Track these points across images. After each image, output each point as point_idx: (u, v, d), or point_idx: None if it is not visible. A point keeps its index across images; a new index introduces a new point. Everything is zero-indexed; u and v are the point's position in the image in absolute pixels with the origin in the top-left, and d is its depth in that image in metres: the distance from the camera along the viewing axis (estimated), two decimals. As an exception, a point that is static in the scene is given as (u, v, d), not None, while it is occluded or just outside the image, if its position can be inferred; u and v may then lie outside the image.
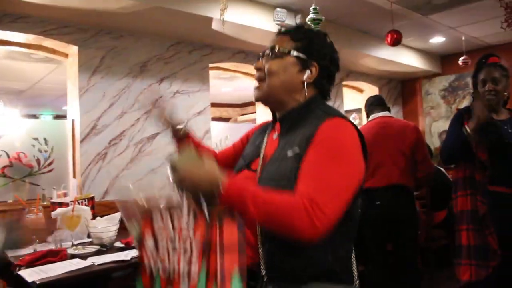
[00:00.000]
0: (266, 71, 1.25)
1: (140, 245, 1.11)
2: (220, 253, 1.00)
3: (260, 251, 1.13)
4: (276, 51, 1.25)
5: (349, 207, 1.11)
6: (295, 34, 1.29)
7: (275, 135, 1.30)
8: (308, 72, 1.25)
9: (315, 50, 1.27)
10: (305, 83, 1.25)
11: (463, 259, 2.45)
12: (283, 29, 1.33)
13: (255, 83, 1.30)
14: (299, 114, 1.24)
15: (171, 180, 1.10)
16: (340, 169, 1.08)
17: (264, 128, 1.41)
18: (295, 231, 1.00)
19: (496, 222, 2.33)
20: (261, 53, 1.31)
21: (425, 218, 4.22)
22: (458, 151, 2.41)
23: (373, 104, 3.45)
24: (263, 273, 1.11)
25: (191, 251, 1.04)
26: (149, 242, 1.09)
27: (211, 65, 4.62)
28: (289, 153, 1.16)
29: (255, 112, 5.54)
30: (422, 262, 4.08)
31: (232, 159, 1.49)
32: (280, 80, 1.24)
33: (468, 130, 2.33)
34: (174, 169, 1.09)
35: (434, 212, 4.39)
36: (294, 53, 1.25)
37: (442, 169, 4.48)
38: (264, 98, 1.28)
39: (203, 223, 1.03)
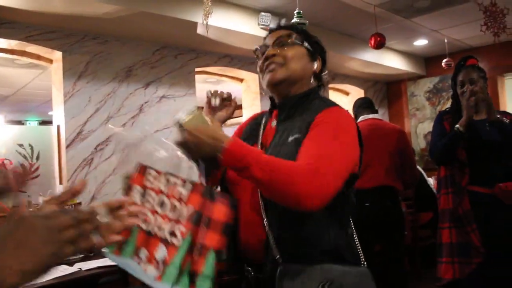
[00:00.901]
0: (285, 56, 1.28)
1: (126, 195, 1.06)
2: (205, 228, 0.99)
3: (270, 238, 1.14)
4: (292, 39, 1.31)
5: (345, 189, 1.17)
6: (297, 29, 1.36)
7: (273, 123, 1.33)
8: (315, 64, 1.34)
9: (316, 45, 1.37)
10: (313, 73, 1.34)
11: (444, 257, 2.49)
12: (283, 24, 1.39)
13: (267, 67, 1.30)
14: (298, 102, 1.29)
15: (176, 140, 1.11)
16: (340, 147, 1.13)
17: (259, 119, 1.43)
18: (297, 196, 1.02)
19: (478, 221, 2.37)
20: (264, 45, 1.34)
21: (412, 218, 4.27)
22: (452, 150, 2.46)
23: (362, 106, 3.49)
24: (277, 257, 1.13)
25: (180, 213, 1.00)
26: (135, 194, 1.05)
27: (197, 69, 4.64)
28: (290, 139, 1.20)
29: (242, 116, 5.56)
30: (409, 262, 4.13)
31: None
32: (297, 67, 1.29)
33: (459, 127, 2.40)
34: (181, 129, 1.10)
35: (420, 212, 4.45)
36: (306, 44, 1.33)
37: (422, 172, 4.56)
38: (284, 79, 1.28)
39: (198, 195, 1.01)
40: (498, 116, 2.44)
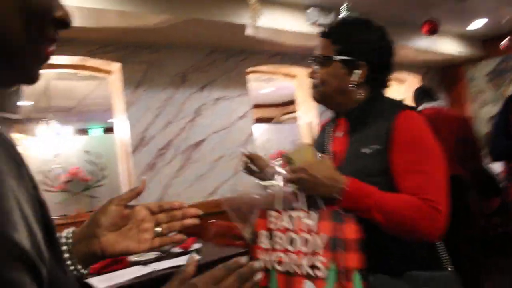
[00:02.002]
0: (320, 77, 1.30)
1: (254, 244, 1.06)
2: (343, 251, 0.97)
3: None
4: (322, 59, 1.29)
5: None
6: (335, 36, 1.29)
7: (341, 133, 1.32)
8: (357, 72, 1.25)
9: (358, 48, 1.26)
10: (357, 83, 1.27)
11: None
12: (323, 32, 1.34)
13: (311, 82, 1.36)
14: (364, 111, 1.26)
15: (287, 177, 1.08)
16: (436, 164, 1.14)
17: (325, 127, 1.43)
18: (419, 232, 1.08)
19: None
20: (311, 58, 1.34)
21: (480, 207, 4.10)
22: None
23: (420, 96, 3.40)
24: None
25: (315, 245, 0.98)
26: (263, 239, 1.04)
27: (248, 69, 4.69)
28: (366, 150, 1.17)
29: (296, 111, 5.56)
30: (483, 252, 3.96)
31: None
32: (332, 87, 1.29)
33: None
34: (290, 164, 1.09)
35: (488, 199, 4.26)
36: (337, 58, 1.27)
37: None
38: (320, 100, 1.35)
39: (327, 221, 0.99)
40: None
